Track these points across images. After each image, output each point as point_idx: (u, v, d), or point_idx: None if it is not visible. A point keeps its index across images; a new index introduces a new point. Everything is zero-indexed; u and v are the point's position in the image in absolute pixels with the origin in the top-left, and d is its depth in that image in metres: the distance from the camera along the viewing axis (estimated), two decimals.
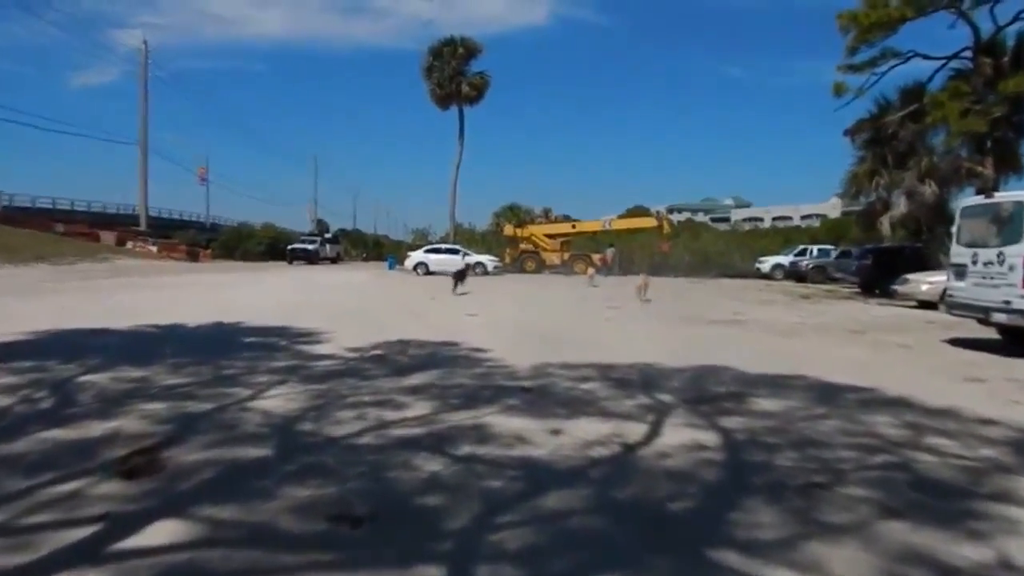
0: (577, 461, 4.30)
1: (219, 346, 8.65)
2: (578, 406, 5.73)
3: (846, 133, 24.23)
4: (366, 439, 4.66)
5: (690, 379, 7.08)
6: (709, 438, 4.83)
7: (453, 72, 44.46)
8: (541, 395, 6.16)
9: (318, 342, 9.11)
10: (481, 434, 4.81)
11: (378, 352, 8.40)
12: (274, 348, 8.60)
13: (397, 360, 7.91)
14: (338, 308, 14.68)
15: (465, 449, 4.49)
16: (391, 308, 15.35)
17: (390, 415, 5.27)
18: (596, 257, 38.98)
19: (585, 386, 6.55)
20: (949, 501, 3.78)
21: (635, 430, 5.00)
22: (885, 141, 23.64)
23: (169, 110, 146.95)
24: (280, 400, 5.69)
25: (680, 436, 4.84)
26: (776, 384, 6.83)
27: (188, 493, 3.66)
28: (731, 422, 5.26)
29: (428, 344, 9.14)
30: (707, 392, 6.45)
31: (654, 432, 4.98)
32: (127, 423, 4.91)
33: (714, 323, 12.91)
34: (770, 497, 3.72)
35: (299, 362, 7.59)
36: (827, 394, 6.41)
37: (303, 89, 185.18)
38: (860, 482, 4.01)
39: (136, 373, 6.67)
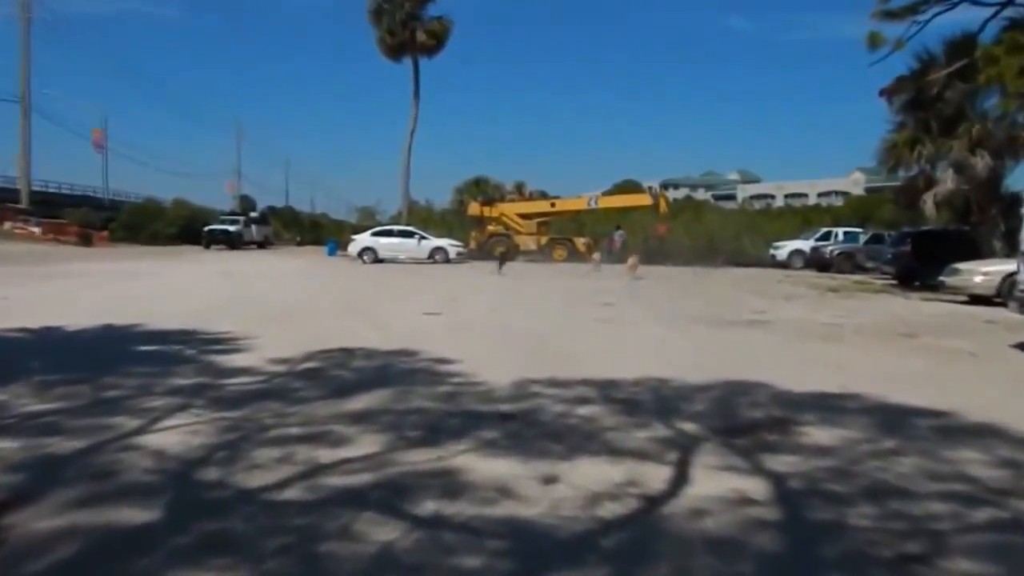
0: (583, 524, 3.80)
1: (104, 357, 8.25)
2: (576, 440, 5.30)
3: (882, 93, 24.12)
4: (293, 492, 4.16)
5: (716, 400, 6.72)
6: (755, 486, 4.37)
7: (407, 16, 43.98)
8: (526, 424, 5.74)
9: (235, 351, 8.75)
10: (449, 484, 4.33)
11: (312, 365, 8.03)
12: (177, 360, 8.18)
13: (337, 376, 7.55)
14: (263, 306, 14.34)
15: (428, 507, 3.97)
16: (330, 306, 15.04)
17: (326, 455, 4.80)
18: (580, 242, 38.80)
19: (582, 411, 6.16)
20: None
21: (655, 475, 4.56)
22: (928, 104, 23.63)
23: (58, 61, 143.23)
24: (178, 434, 5.22)
25: (716, 484, 4.39)
26: (826, 407, 6.50)
27: None
28: (779, 462, 4.85)
29: (377, 354, 8.79)
30: (741, 419, 6.08)
31: (680, 478, 4.53)
32: None
33: (732, 324, 12.63)
34: None
35: (208, 379, 7.17)
36: (892, 420, 6.08)
37: (222, 38, 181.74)
38: (969, 551, 3.56)
39: None
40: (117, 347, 9.04)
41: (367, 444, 5.06)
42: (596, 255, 31.59)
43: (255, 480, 4.31)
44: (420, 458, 4.77)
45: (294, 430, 5.39)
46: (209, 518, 3.78)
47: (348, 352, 8.79)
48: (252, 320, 11.44)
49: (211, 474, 4.44)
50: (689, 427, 5.70)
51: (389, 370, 7.86)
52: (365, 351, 8.90)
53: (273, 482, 4.27)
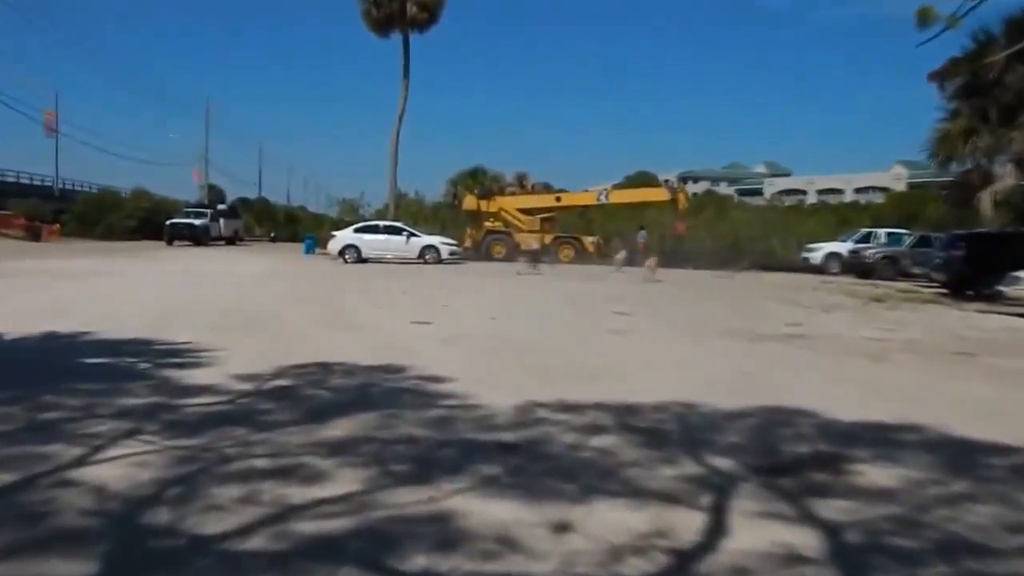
0: None
1: (44, 371, 8.20)
2: (591, 478, 5.12)
3: (932, 77, 24.04)
4: (257, 541, 3.96)
5: (753, 431, 6.55)
6: (804, 539, 4.16)
7: None
8: (532, 458, 5.56)
9: (195, 365, 8.66)
10: (443, 532, 4.13)
11: (283, 383, 7.94)
12: (127, 375, 8.09)
13: (312, 396, 7.43)
14: (229, 312, 14.18)
15: (417, 562, 3.78)
16: (306, 313, 14.85)
17: (297, 495, 4.63)
18: (589, 241, 38.70)
19: (597, 442, 5.99)
20: None
21: (686, 523, 4.35)
22: (985, 89, 23.50)
23: (4, 35, 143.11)
24: (124, 467, 5.05)
25: (758, 535, 4.18)
26: (881, 440, 6.32)
27: None
28: (832, 508, 4.64)
29: (359, 370, 8.68)
30: (783, 454, 5.90)
31: (716, 528, 4.33)
32: None
33: (765, 338, 12.42)
34: None
35: (162, 399, 7.04)
36: (960, 458, 5.88)
37: (189, 11, 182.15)
38: None
39: None
40: (60, 359, 8.93)
41: (346, 481, 4.90)
42: (621, 254, 31.51)
43: (212, 525, 4.12)
44: (408, 499, 4.60)
45: (261, 462, 5.24)
46: (155, 573, 3.60)
47: (325, 368, 8.69)
48: (216, 329, 11.34)
49: (160, 517, 4.25)
50: (723, 463, 5.52)
51: (372, 390, 7.74)
52: (345, 367, 8.77)
53: (234, 528, 4.09)
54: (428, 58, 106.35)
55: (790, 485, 5.07)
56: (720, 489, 4.95)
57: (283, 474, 4.97)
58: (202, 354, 9.26)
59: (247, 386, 7.63)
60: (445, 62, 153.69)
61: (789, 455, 5.84)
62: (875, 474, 5.35)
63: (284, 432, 6.01)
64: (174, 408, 6.68)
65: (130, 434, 5.79)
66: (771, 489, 4.97)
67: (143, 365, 8.59)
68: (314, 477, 4.95)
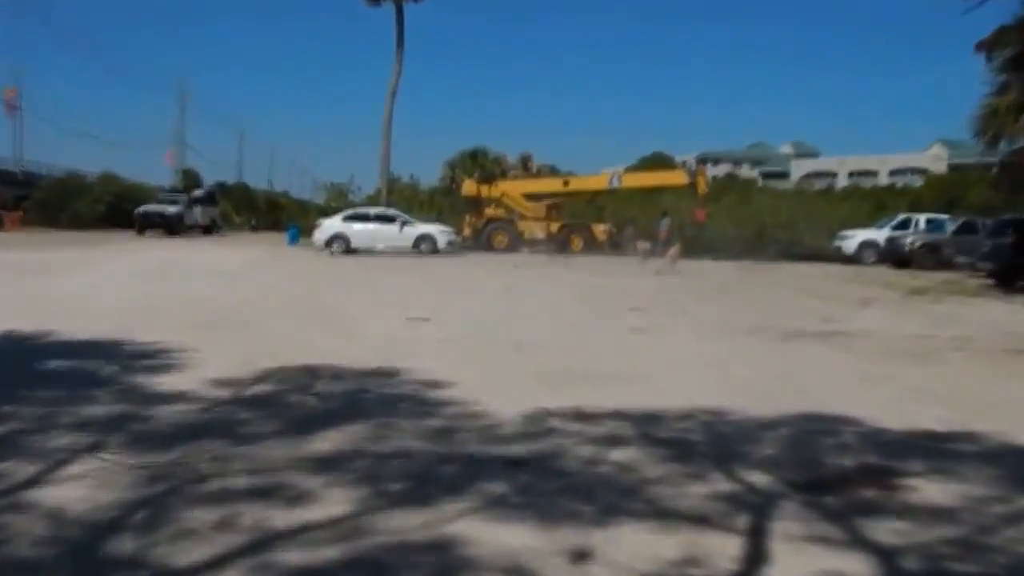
0: None
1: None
2: (611, 497, 5.01)
3: (979, 48, 23.92)
4: (234, 574, 3.86)
5: (790, 441, 6.46)
6: (857, 567, 4.05)
7: None
8: (544, 474, 5.46)
9: (167, 369, 8.60)
10: (444, 562, 4.03)
11: (265, 389, 7.87)
12: (92, 381, 8.01)
13: (296, 404, 7.35)
14: (205, 309, 14.20)
15: None
16: (290, 309, 14.87)
17: (280, 518, 4.53)
18: (600, 229, 38.69)
19: (617, 455, 5.90)
20: None
21: (721, 549, 4.24)
22: None
23: None
24: (85, 486, 4.94)
25: (804, 563, 4.07)
26: (935, 451, 6.23)
27: None
28: (884, 530, 4.53)
29: (349, 374, 8.63)
30: (826, 467, 5.79)
31: (756, 555, 4.21)
32: None
33: (797, 336, 12.37)
34: None
35: (130, 407, 6.97)
36: None
37: None
38: None
39: None
40: (17, 363, 8.90)
41: (335, 502, 4.80)
42: (645, 244, 31.57)
43: (183, 555, 4.02)
44: (404, 523, 4.50)
45: (239, 481, 5.15)
46: None
47: (311, 371, 8.63)
48: (191, 328, 11.31)
49: (124, 545, 4.15)
50: (759, 479, 5.42)
51: (363, 396, 7.69)
52: (333, 370, 8.72)
53: (208, 558, 3.99)
54: (424, 29, 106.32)
55: (836, 503, 4.98)
56: (758, 509, 4.85)
57: (264, 494, 4.89)
58: (175, 356, 9.21)
59: (224, 393, 7.57)
60: (442, 34, 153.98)
61: (833, 469, 5.75)
62: (930, 490, 5.25)
63: (266, 446, 5.93)
64: (142, 418, 6.61)
65: (92, 449, 5.70)
66: (815, 508, 4.87)
67: (109, 369, 8.54)
68: (299, 498, 4.86)
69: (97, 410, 6.82)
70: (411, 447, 6.00)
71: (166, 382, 7.91)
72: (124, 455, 5.58)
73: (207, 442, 5.96)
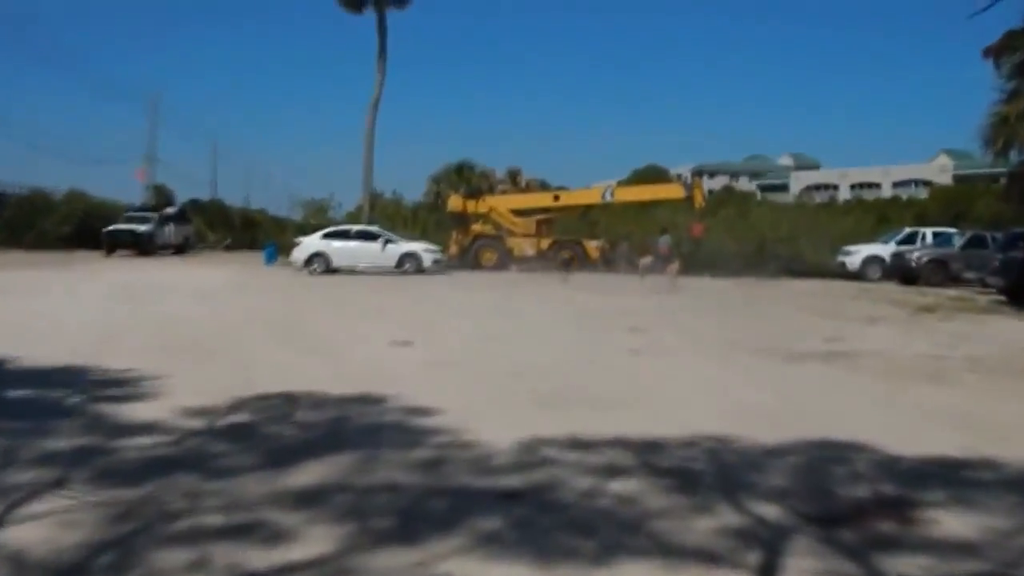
0: None
1: None
2: (612, 533, 4.98)
3: (987, 53, 24.02)
4: None
5: (800, 470, 6.44)
6: None
7: None
8: (540, 508, 5.43)
9: (136, 398, 8.60)
10: None
11: (241, 418, 7.89)
12: (56, 411, 7.99)
13: (274, 435, 7.35)
14: (177, 333, 14.12)
15: None
16: (267, 333, 14.80)
17: (258, 559, 4.49)
18: (592, 245, 38.70)
19: (617, 487, 5.88)
20: None
21: None
22: None
23: None
24: (47, 526, 4.91)
25: None
26: (954, 479, 6.21)
27: None
28: (905, 566, 4.50)
29: (330, 401, 8.62)
30: (839, 498, 5.77)
31: None
32: None
33: (803, 357, 12.34)
34: None
35: (96, 440, 6.97)
36: None
37: None
38: None
39: None
40: None
41: (316, 540, 4.76)
42: (647, 260, 31.58)
43: None
44: (391, 563, 4.47)
45: (213, 519, 5.12)
46: None
47: (290, 399, 8.61)
48: (162, 353, 11.30)
49: None
50: (769, 511, 5.39)
51: (346, 425, 7.66)
52: (313, 397, 8.71)
53: None
54: (408, 40, 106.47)
55: (851, 538, 4.95)
56: (769, 544, 4.81)
57: (240, 533, 4.85)
58: (144, 383, 9.20)
59: (197, 423, 7.56)
60: (427, 45, 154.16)
61: (847, 500, 5.72)
62: (951, 522, 5.23)
63: (242, 480, 5.90)
64: (109, 451, 6.58)
65: (56, 485, 5.65)
66: (829, 543, 4.83)
67: (74, 398, 8.52)
68: (278, 536, 4.82)
69: (61, 443, 6.77)
70: (398, 480, 5.97)
71: (135, 412, 7.90)
72: (89, 492, 5.54)
73: (179, 477, 5.94)
